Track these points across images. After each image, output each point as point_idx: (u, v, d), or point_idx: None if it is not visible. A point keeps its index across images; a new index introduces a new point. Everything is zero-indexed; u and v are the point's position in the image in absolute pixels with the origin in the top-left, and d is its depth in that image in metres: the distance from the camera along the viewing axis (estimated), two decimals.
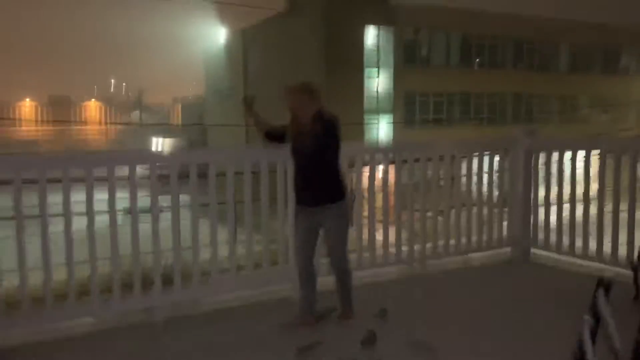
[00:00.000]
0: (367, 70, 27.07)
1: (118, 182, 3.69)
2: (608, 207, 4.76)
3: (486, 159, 5.32)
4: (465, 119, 28.99)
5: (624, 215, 4.67)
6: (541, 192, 5.28)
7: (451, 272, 5.10)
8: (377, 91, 27.61)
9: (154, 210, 3.78)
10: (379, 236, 4.76)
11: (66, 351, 3.40)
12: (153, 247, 3.78)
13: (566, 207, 5.07)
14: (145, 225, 3.74)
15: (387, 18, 26.63)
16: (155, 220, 3.79)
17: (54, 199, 3.52)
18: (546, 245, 5.26)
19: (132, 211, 3.71)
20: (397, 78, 27.46)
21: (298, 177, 3.62)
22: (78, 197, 3.56)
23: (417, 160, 4.90)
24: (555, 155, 5.17)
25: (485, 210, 5.33)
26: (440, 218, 5.11)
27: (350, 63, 25.85)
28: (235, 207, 4.07)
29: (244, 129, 22.91)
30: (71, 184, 3.55)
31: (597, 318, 1.93)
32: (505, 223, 5.47)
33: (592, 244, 4.87)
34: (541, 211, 5.28)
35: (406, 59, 27.80)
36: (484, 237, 5.31)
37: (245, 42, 32.05)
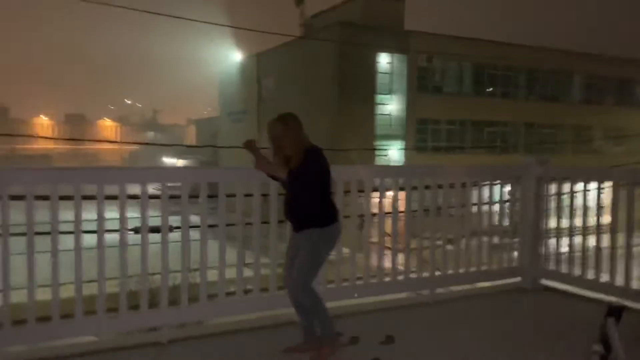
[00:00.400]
0: (379, 97, 27.26)
1: (128, 202, 3.72)
2: (620, 239, 4.71)
3: (497, 187, 5.30)
4: (477, 147, 28.97)
5: (637, 249, 4.61)
6: (552, 222, 5.24)
7: (460, 300, 5.05)
8: (390, 117, 27.74)
9: (163, 230, 3.79)
10: (387, 262, 4.73)
11: None
12: (161, 266, 3.78)
13: (577, 237, 5.02)
14: (154, 245, 3.76)
15: (401, 45, 26.92)
16: (165, 240, 3.80)
17: (63, 216, 3.55)
18: (556, 276, 5.20)
19: (141, 230, 3.73)
20: (410, 104, 27.61)
21: (284, 204, 3.67)
22: (87, 215, 3.60)
23: (427, 187, 4.89)
24: (566, 185, 5.14)
25: (495, 239, 5.29)
26: (450, 246, 5.08)
27: (363, 89, 26.08)
28: (244, 229, 4.07)
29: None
30: (81, 202, 3.59)
31: (606, 346, 1.89)
32: (515, 253, 5.43)
33: (603, 276, 4.80)
34: (552, 241, 5.23)
35: (419, 86, 27.98)
36: (494, 266, 5.26)
37: (259, 66, 32.46)
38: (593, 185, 5.00)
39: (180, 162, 43.88)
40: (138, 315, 3.79)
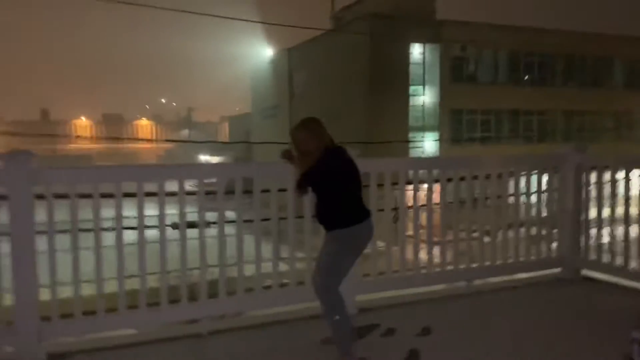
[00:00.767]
0: (412, 88, 26.99)
1: (166, 199, 3.81)
2: None
3: (535, 177, 5.21)
4: (514, 137, 28.42)
5: None
6: (593, 212, 5.12)
7: (497, 291, 5.00)
8: (423, 108, 27.45)
9: (201, 225, 3.87)
10: (423, 255, 4.71)
11: (114, 357, 3.55)
12: (200, 260, 3.86)
13: (619, 227, 4.89)
14: (192, 240, 3.84)
15: (433, 35, 26.56)
16: (202, 235, 3.88)
17: (105, 213, 3.67)
18: (597, 266, 5.09)
19: (180, 225, 3.82)
20: (444, 95, 27.26)
21: (315, 208, 3.61)
22: (128, 212, 3.71)
23: (462, 178, 4.84)
24: (607, 174, 5.01)
25: (533, 230, 5.20)
26: (487, 238, 5.02)
27: (395, 80, 25.86)
28: (279, 224, 4.12)
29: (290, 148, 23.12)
30: (122, 199, 3.70)
31: None
32: (554, 244, 5.33)
33: None
34: (592, 231, 5.12)
35: (453, 76, 27.57)
36: (532, 257, 5.18)
37: (290, 61, 32.56)
38: (635, 174, 4.86)
39: (214, 159, 44.48)
40: (178, 308, 3.88)
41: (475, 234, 4.95)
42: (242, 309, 4.39)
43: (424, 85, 27.41)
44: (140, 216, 3.71)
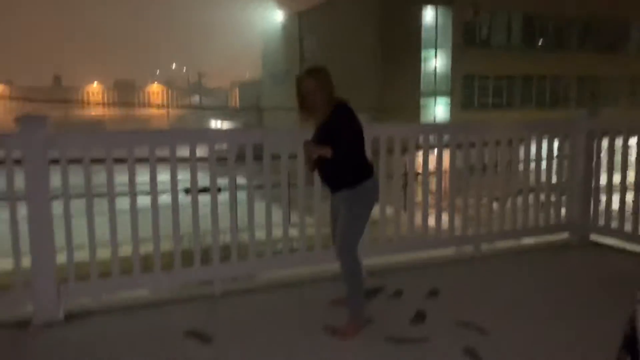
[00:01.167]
0: (424, 52, 26.60)
1: (178, 164, 3.86)
2: None
3: (545, 143, 5.19)
4: (527, 102, 28.05)
5: None
6: (603, 178, 5.11)
7: (505, 255, 5.06)
8: (435, 73, 27.12)
9: (212, 190, 3.93)
10: (432, 221, 4.75)
11: (130, 316, 3.67)
12: (211, 224, 3.94)
13: (630, 194, 4.89)
14: (204, 205, 3.91)
15: None
16: (214, 199, 3.94)
17: (118, 179, 3.74)
18: (606, 231, 5.11)
19: (191, 190, 3.88)
20: (456, 60, 26.86)
21: (318, 168, 3.48)
22: (140, 177, 3.78)
23: (472, 145, 4.83)
24: (619, 140, 4.99)
25: (542, 196, 5.22)
26: (495, 204, 5.04)
27: (406, 44, 25.50)
28: (289, 190, 4.16)
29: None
30: (135, 164, 3.75)
31: None
32: (563, 210, 5.34)
33: None
34: (602, 197, 5.13)
35: (465, 40, 27.10)
36: (541, 222, 5.21)
37: (301, 25, 32.14)
38: None
39: (225, 125, 44.46)
40: (191, 270, 3.98)
41: (484, 200, 4.98)
42: (254, 272, 4.48)
43: (436, 50, 27.01)
44: (153, 180, 3.77)
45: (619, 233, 4.99)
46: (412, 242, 4.72)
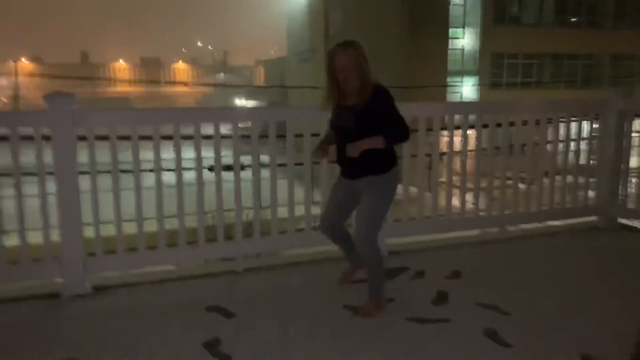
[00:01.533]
0: (452, 30, 26.10)
1: (203, 142, 3.89)
2: None
3: (575, 124, 5.07)
4: (557, 82, 27.39)
5: None
6: (634, 160, 4.99)
7: (531, 238, 5.01)
8: (463, 52, 26.62)
9: (235, 168, 3.95)
10: (457, 202, 4.71)
11: (155, 291, 3.76)
12: (235, 201, 3.97)
13: None
14: (228, 183, 3.95)
15: None
16: (237, 176, 3.97)
17: (144, 156, 3.79)
18: (636, 214, 5.00)
19: (215, 168, 3.91)
20: (484, 38, 26.32)
21: (340, 153, 3.25)
22: (165, 155, 3.82)
23: (499, 125, 4.75)
24: None
25: (570, 178, 5.12)
26: (522, 185, 4.97)
27: (434, 22, 25.04)
28: (312, 169, 4.16)
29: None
30: (160, 141, 3.79)
31: None
32: (590, 192, 5.24)
33: None
34: (633, 180, 5.01)
35: (495, 18, 26.50)
36: (568, 205, 5.12)
37: (327, 3, 31.77)
38: None
39: (250, 103, 44.54)
40: (215, 246, 4.03)
41: (509, 182, 4.90)
42: (276, 249, 4.52)
43: (464, 27, 26.48)
44: (178, 157, 3.81)
45: None
46: (435, 223, 4.69)
